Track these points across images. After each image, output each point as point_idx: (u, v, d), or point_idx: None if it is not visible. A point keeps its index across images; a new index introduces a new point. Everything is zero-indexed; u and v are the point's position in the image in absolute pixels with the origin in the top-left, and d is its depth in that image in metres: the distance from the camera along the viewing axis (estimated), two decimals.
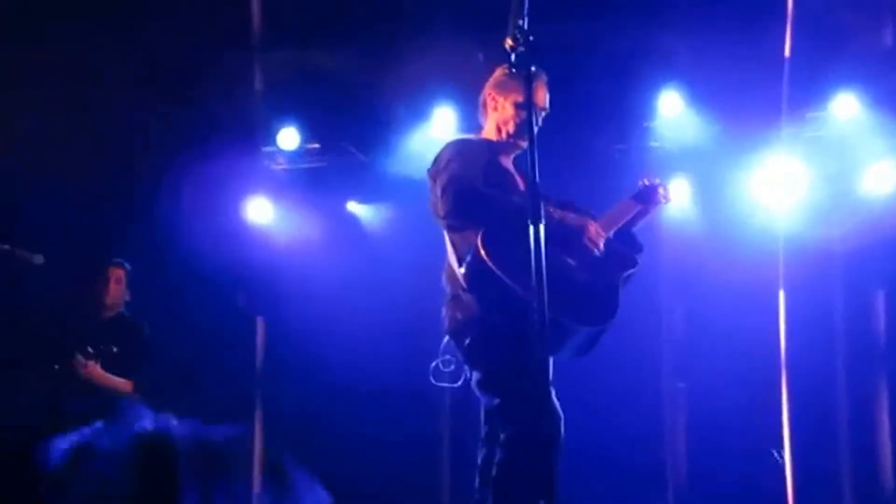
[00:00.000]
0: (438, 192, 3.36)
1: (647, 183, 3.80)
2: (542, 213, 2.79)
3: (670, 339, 6.34)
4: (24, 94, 5.76)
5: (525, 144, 3.34)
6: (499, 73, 3.58)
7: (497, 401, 3.34)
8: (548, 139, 3.02)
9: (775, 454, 5.27)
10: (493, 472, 3.29)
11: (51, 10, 5.82)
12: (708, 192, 6.37)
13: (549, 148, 2.91)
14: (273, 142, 6.68)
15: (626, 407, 5.97)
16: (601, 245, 3.45)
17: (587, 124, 6.23)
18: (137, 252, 6.15)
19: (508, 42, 2.75)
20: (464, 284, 3.28)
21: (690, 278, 6.20)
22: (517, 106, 3.49)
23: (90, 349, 4.94)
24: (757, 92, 5.70)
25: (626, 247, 3.63)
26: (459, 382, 3.46)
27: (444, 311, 3.44)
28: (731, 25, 5.76)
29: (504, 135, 3.55)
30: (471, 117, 3.82)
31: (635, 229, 3.75)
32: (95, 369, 4.96)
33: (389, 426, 6.40)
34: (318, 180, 6.84)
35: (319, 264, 6.57)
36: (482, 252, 3.20)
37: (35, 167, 5.82)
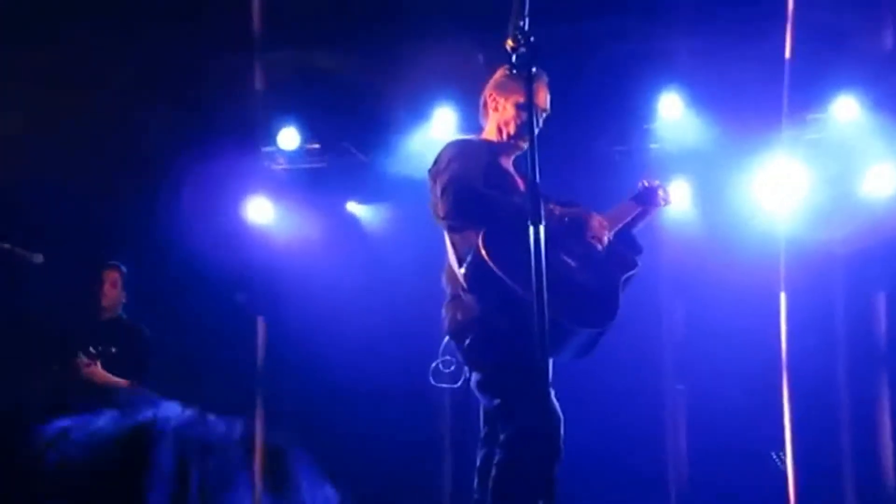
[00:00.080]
0: (438, 192, 3.35)
1: (646, 185, 3.79)
2: (543, 212, 2.79)
3: (671, 340, 6.34)
4: (22, 93, 5.76)
5: (526, 145, 3.33)
6: (499, 73, 3.58)
7: (497, 401, 3.33)
8: (548, 140, 3.02)
9: (775, 457, 5.27)
10: (493, 472, 3.28)
11: (51, 10, 5.82)
12: (708, 194, 6.38)
13: (550, 149, 2.91)
14: (273, 142, 6.68)
15: (626, 408, 5.97)
16: (605, 239, 3.45)
17: (588, 126, 6.23)
18: (138, 252, 6.15)
19: (509, 43, 2.75)
20: (464, 285, 3.27)
21: (690, 280, 6.20)
22: (518, 107, 3.48)
23: (92, 349, 4.94)
24: (757, 94, 5.70)
25: (626, 248, 3.63)
26: (459, 383, 3.46)
27: (443, 312, 3.44)
28: (732, 27, 5.76)
29: (505, 136, 3.54)
30: (471, 118, 3.82)
31: (635, 231, 3.74)
32: (96, 370, 4.96)
33: (389, 426, 6.40)
34: (318, 180, 6.84)
35: (319, 264, 6.57)
36: (483, 252, 3.19)
37: (34, 167, 5.82)
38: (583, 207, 3.54)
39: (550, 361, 3.29)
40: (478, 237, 3.22)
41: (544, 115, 3.56)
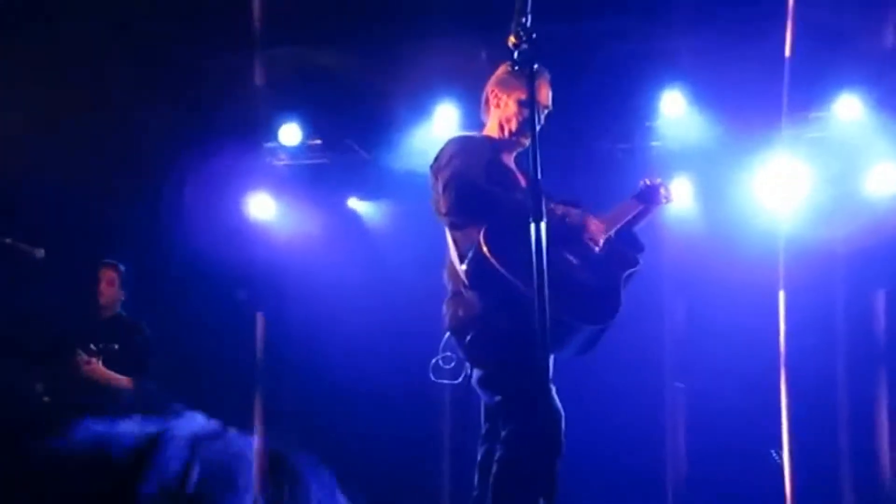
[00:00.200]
0: (440, 188, 3.35)
1: (648, 183, 3.80)
2: (544, 210, 2.78)
3: (671, 338, 6.34)
4: (23, 92, 5.76)
5: (527, 142, 3.34)
6: (501, 70, 3.58)
7: (498, 398, 3.34)
8: (551, 138, 3.02)
9: (774, 454, 5.27)
10: (493, 468, 3.29)
11: (51, 8, 5.82)
12: (710, 192, 6.37)
13: (552, 147, 2.91)
14: (275, 138, 6.68)
15: (625, 405, 5.97)
16: (601, 241, 3.45)
17: (590, 124, 6.24)
18: (140, 249, 6.16)
19: (511, 40, 2.75)
20: (465, 281, 3.27)
21: (692, 278, 6.20)
22: (520, 103, 3.48)
23: (92, 347, 4.95)
24: (759, 92, 5.70)
25: (627, 246, 3.63)
26: (460, 379, 3.46)
27: (444, 308, 3.44)
28: (734, 26, 5.76)
29: (506, 132, 3.54)
30: (473, 115, 3.82)
31: (637, 229, 3.75)
32: (97, 367, 4.97)
33: (389, 422, 6.41)
34: (319, 177, 6.84)
35: (321, 261, 6.58)
36: (484, 249, 3.19)
37: (35, 166, 5.82)
38: (582, 209, 3.54)
39: (552, 358, 3.31)
40: (479, 234, 3.22)
41: (546, 111, 3.56)
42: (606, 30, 6.05)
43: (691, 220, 6.35)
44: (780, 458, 4.52)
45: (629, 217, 3.67)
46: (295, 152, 6.78)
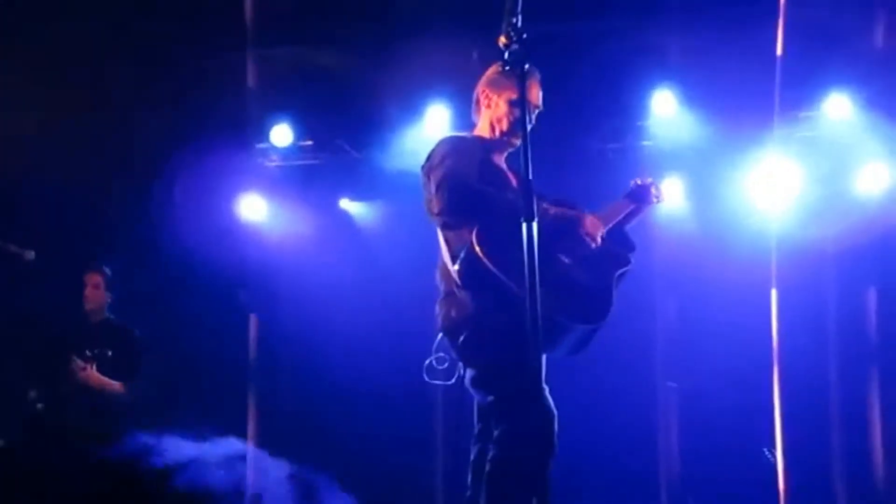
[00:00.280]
0: (433, 188, 3.35)
1: (639, 182, 3.80)
2: (537, 209, 2.78)
3: (663, 337, 6.36)
4: (15, 92, 5.74)
5: (518, 142, 3.33)
6: (492, 70, 3.58)
7: (491, 398, 3.33)
8: (542, 138, 3.03)
9: (767, 452, 5.29)
10: (487, 468, 3.29)
11: (45, 7, 5.80)
12: (701, 191, 6.39)
13: (543, 146, 2.91)
14: (266, 139, 6.67)
15: (619, 405, 5.98)
16: (598, 238, 3.45)
17: (581, 123, 6.25)
18: (130, 249, 6.14)
19: (502, 40, 2.75)
20: (458, 281, 3.27)
21: (683, 277, 6.21)
22: (511, 103, 3.48)
23: (88, 353, 4.92)
24: (750, 91, 5.72)
25: (619, 245, 3.63)
26: (453, 380, 3.46)
27: (437, 309, 3.44)
28: (725, 25, 5.78)
29: (497, 132, 3.54)
30: (464, 115, 3.82)
31: (628, 228, 3.75)
32: (92, 373, 4.94)
33: (382, 423, 6.41)
34: (311, 177, 6.84)
35: (312, 261, 6.57)
36: (477, 249, 3.19)
37: (25, 166, 5.80)
38: (577, 207, 3.54)
39: (544, 358, 3.31)
40: (471, 234, 3.22)
41: (537, 111, 3.57)
42: (597, 29, 6.06)
43: (683, 219, 6.37)
44: (774, 456, 4.53)
45: (620, 216, 3.68)
46: (286, 153, 6.77)
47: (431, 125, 6.23)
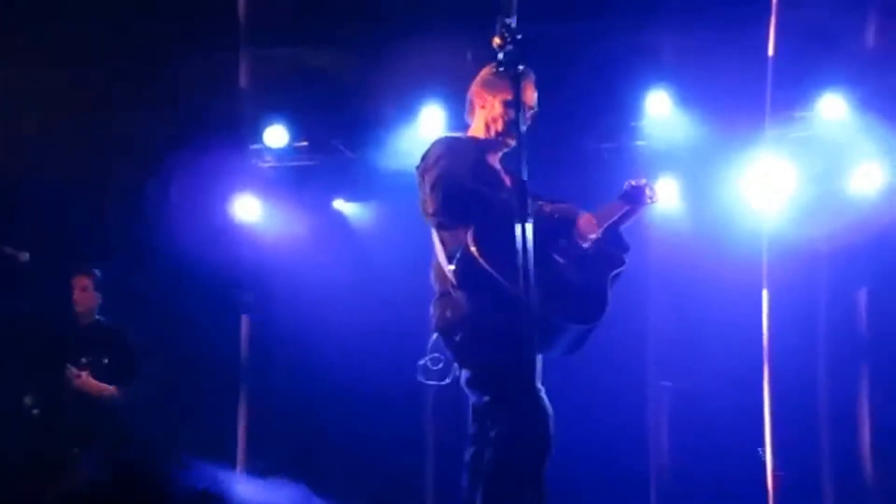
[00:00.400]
0: (428, 189, 3.35)
1: (633, 184, 3.80)
2: (532, 209, 2.78)
3: (657, 337, 6.37)
4: (6, 92, 5.73)
5: (513, 143, 3.34)
6: (486, 71, 3.58)
7: (487, 398, 3.34)
8: (536, 138, 3.03)
9: (761, 452, 5.29)
10: (483, 469, 3.29)
11: (35, 7, 5.79)
12: (695, 191, 6.40)
13: (538, 147, 2.91)
14: (261, 139, 6.67)
15: (613, 404, 5.99)
16: (592, 237, 3.46)
17: (576, 123, 6.25)
18: (124, 250, 6.13)
19: (496, 40, 2.75)
20: (454, 281, 3.27)
21: (677, 277, 6.22)
22: (506, 104, 3.48)
23: (83, 360, 4.88)
24: (745, 92, 5.70)
25: (614, 246, 3.64)
26: (447, 380, 3.46)
27: (432, 309, 3.44)
28: (720, 26, 5.79)
29: (493, 133, 3.55)
30: (459, 115, 3.82)
31: (623, 229, 3.75)
32: (88, 380, 4.90)
33: (376, 424, 6.41)
34: (305, 178, 6.83)
35: (307, 262, 6.57)
36: (473, 249, 3.19)
37: (19, 167, 5.79)
38: (572, 205, 3.54)
39: (540, 358, 3.32)
40: (466, 234, 3.22)
41: (531, 112, 3.57)
42: (592, 30, 6.07)
43: (677, 219, 6.37)
44: (764, 454, 4.54)
45: (615, 217, 3.68)
46: (281, 154, 6.77)
47: (426, 126, 6.23)
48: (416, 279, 3.76)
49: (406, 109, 6.34)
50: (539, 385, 3.26)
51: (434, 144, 3.49)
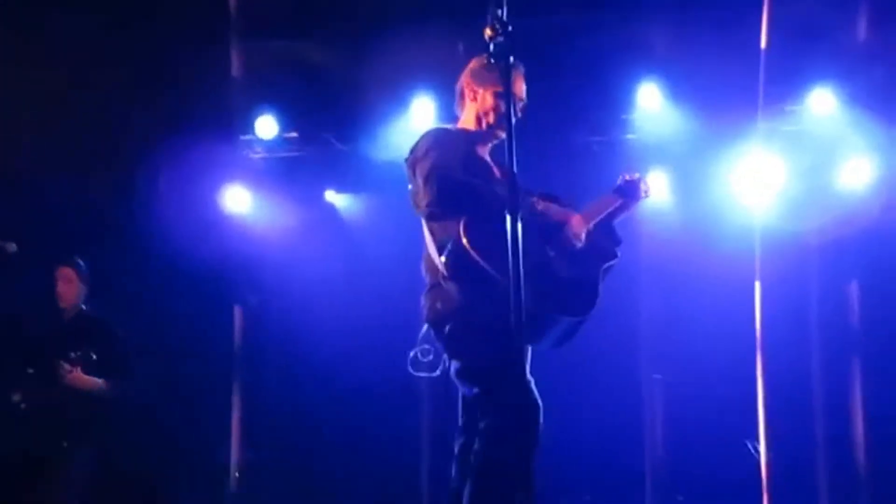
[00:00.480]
0: (420, 181, 3.34)
1: (628, 178, 3.80)
2: (525, 203, 2.76)
3: (648, 330, 6.38)
4: None
5: (504, 135, 3.33)
6: (476, 63, 3.57)
7: (476, 390, 3.34)
8: (527, 131, 3.02)
9: (749, 445, 5.31)
10: (472, 460, 3.29)
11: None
12: (686, 184, 6.41)
13: (528, 139, 2.91)
14: (251, 130, 6.65)
15: (604, 397, 6.01)
16: (582, 238, 3.46)
17: (566, 116, 6.25)
18: (113, 241, 6.11)
19: (488, 32, 2.74)
20: (445, 273, 3.27)
21: (668, 270, 6.24)
22: (497, 96, 3.48)
23: (73, 355, 4.83)
24: (735, 86, 5.73)
25: (606, 239, 3.64)
26: (437, 372, 3.46)
27: (422, 301, 3.44)
28: (711, 20, 5.79)
29: (483, 125, 3.54)
30: (450, 108, 3.81)
31: (616, 222, 3.75)
32: (78, 375, 4.85)
33: (368, 415, 6.41)
34: (296, 170, 6.82)
35: (297, 253, 6.56)
36: (464, 241, 3.19)
37: (5, 157, 5.75)
38: (563, 202, 3.54)
39: (529, 350, 3.32)
40: (458, 226, 3.22)
41: (521, 105, 3.56)
42: (583, 23, 6.07)
43: (667, 212, 6.39)
44: (756, 448, 4.56)
45: (608, 211, 3.68)
46: (271, 145, 6.75)
47: (417, 117, 6.23)
48: (406, 271, 3.75)
49: (397, 101, 6.33)
50: (529, 377, 3.26)
51: (423, 136, 3.48)
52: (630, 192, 3.76)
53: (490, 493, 3.24)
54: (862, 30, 6.10)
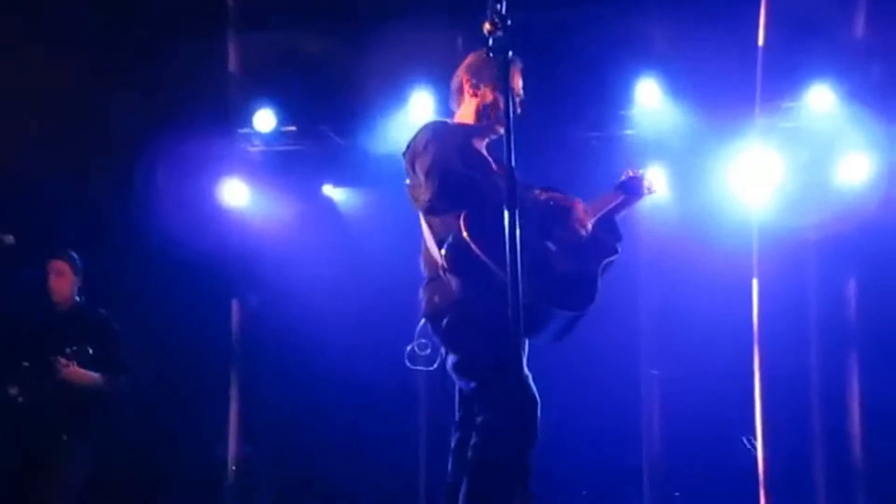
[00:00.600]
0: (421, 175, 3.33)
1: (631, 174, 3.80)
2: (527, 196, 2.74)
3: (647, 325, 6.39)
4: None
5: (503, 130, 3.32)
6: (474, 58, 3.56)
7: (473, 384, 3.33)
8: (525, 126, 3.02)
9: (745, 441, 5.32)
10: (469, 455, 3.29)
11: None
12: (684, 180, 6.41)
13: (527, 134, 2.91)
14: (249, 124, 6.64)
15: (602, 392, 6.01)
16: (589, 226, 3.45)
17: (565, 111, 6.25)
18: (111, 234, 6.10)
19: (487, 26, 2.74)
20: (444, 265, 3.26)
21: (666, 266, 6.24)
22: (497, 91, 3.47)
23: (68, 350, 4.81)
24: (733, 82, 5.74)
25: (607, 234, 3.63)
26: (435, 366, 3.46)
27: (421, 294, 3.43)
28: (710, 15, 5.79)
29: (482, 120, 3.53)
30: (449, 102, 3.81)
31: (618, 218, 3.75)
32: (75, 370, 4.83)
33: (365, 409, 6.42)
34: (294, 163, 6.82)
35: (295, 247, 6.56)
36: (464, 234, 3.18)
37: (3, 150, 5.74)
38: (567, 195, 3.54)
39: (527, 344, 3.32)
40: (457, 219, 3.21)
41: (518, 99, 3.55)
42: (582, 18, 6.07)
43: (665, 208, 6.39)
44: (753, 445, 4.57)
45: (610, 206, 3.68)
46: (269, 139, 6.75)
47: (416, 111, 6.22)
48: (404, 265, 3.75)
49: (395, 95, 6.32)
50: (526, 371, 3.26)
51: (422, 129, 3.47)
52: (633, 189, 3.76)
53: (487, 488, 3.23)
54: (860, 26, 6.10)
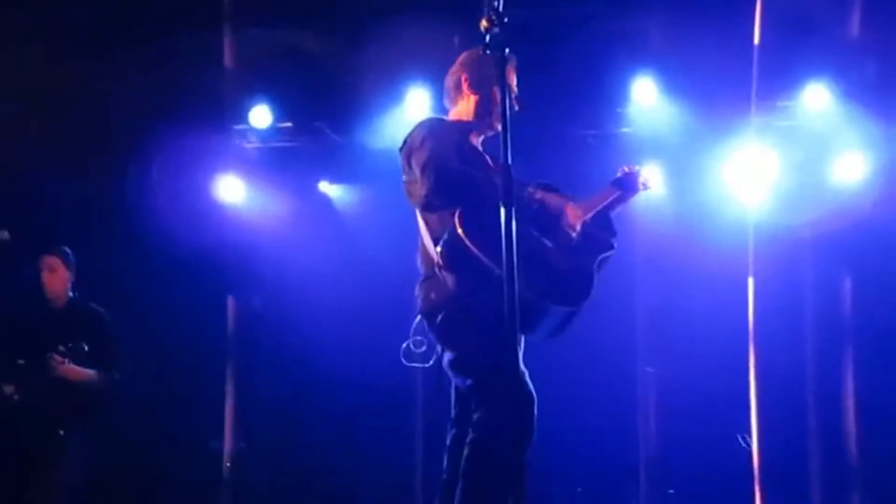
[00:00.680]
0: (418, 172, 3.33)
1: (626, 170, 3.81)
2: (522, 194, 2.74)
3: (641, 323, 6.40)
4: None
5: (500, 127, 3.33)
6: (470, 56, 3.57)
7: (469, 381, 3.33)
8: (521, 123, 3.02)
9: (741, 439, 5.34)
10: (465, 452, 3.29)
11: None
12: (680, 178, 6.42)
13: (523, 132, 2.91)
14: (245, 120, 6.63)
15: (598, 389, 6.02)
16: (578, 229, 3.46)
17: (561, 109, 6.26)
18: (106, 230, 6.09)
19: (484, 23, 2.74)
20: (440, 262, 3.26)
21: (662, 263, 6.25)
22: (494, 89, 3.47)
23: (62, 348, 4.79)
24: (730, 80, 5.75)
25: (602, 231, 3.64)
26: (430, 363, 3.46)
27: (417, 291, 3.44)
28: (705, 13, 5.79)
29: (479, 117, 3.54)
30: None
31: (613, 214, 3.75)
32: (70, 367, 4.82)
33: (361, 405, 6.42)
34: (290, 159, 6.81)
35: (291, 244, 6.55)
36: (460, 231, 3.19)
37: None
38: (560, 193, 3.54)
39: (523, 340, 3.32)
40: (453, 216, 3.21)
41: (514, 97, 3.55)
42: (578, 15, 6.07)
43: (661, 206, 6.40)
44: (748, 442, 4.59)
45: (606, 203, 3.68)
46: (265, 135, 6.74)
47: (412, 108, 6.22)
48: (400, 261, 3.75)
49: (392, 91, 6.32)
50: (523, 368, 3.26)
51: (418, 126, 3.48)
52: (628, 185, 3.77)
53: (483, 484, 3.24)
54: (855, 25, 6.11)
